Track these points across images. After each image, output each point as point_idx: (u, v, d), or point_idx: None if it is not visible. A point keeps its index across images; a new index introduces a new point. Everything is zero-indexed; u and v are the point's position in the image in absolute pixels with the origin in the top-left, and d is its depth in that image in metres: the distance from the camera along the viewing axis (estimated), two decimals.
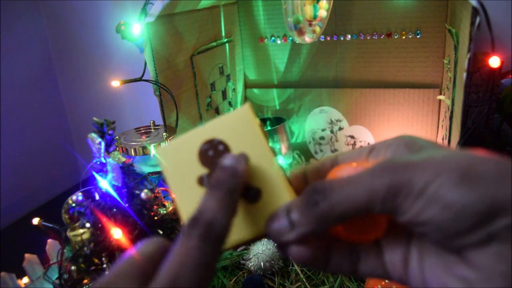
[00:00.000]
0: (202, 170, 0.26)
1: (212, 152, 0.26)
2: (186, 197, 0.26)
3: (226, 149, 0.26)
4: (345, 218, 0.22)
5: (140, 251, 0.23)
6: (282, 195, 0.25)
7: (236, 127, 0.26)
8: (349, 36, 0.93)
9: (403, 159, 0.21)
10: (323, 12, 0.76)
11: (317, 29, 0.77)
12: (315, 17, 0.75)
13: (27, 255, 0.63)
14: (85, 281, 0.56)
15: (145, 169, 0.83)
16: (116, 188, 0.55)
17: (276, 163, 0.25)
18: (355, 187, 0.21)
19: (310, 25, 0.76)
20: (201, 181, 0.26)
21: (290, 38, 0.93)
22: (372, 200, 0.21)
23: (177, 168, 0.26)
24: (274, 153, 0.26)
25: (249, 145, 0.25)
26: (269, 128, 1.03)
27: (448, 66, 0.77)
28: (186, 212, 0.25)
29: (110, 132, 0.56)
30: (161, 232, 0.58)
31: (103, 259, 0.55)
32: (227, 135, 0.26)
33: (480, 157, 0.20)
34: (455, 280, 0.20)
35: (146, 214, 0.56)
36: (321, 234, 0.23)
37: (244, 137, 0.25)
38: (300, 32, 0.75)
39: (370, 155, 0.25)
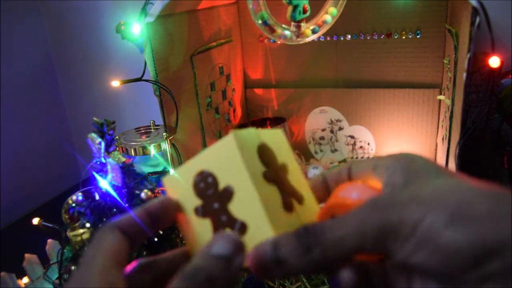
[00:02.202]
0: (198, 201, 0.26)
1: (203, 184, 0.26)
2: (187, 226, 0.27)
3: (215, 181, 0.25)
4: (336, 261, 0.21)
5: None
6: (265, 230, 0.24)
7: (222, 158, 0.25)
8: (349, 36, 0.93)
9: (391, 199, 0.21)
10: (327, 17, 0.75)
11: (308, 32, 0.75)
12: (293, 19, 0.73)
13: (27, 255, 0.63)
14: None
15: (145, 169, 0.83)
16: (116, 188, 0.55)
17: (257, 197, 0.24)
18: (345, 231, 0.21)
19: (299, 27, 0.74)
20: (196, 212, 0.26)
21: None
22: (362, 243, 0.21)
23: (179, 198, 0.27)
24: (270, 178, 0.25)
25: (233, 176, 0.25)
26: (269, 128, 1.03)
27: (448, 66, 0.77)
28: (187, 241, 0.27)
29: (110, 132, 0.56)
30: (161, 232, 0.58)
31: None
32: (214, 166, 0.26)
33: (470, 193, 0.19)
34: None
35: None
36: (306, 273, 0.23)
37: (229, 169, 0.25)
38: (270, 29, 0.74)
39: (374, 172, 0.25)
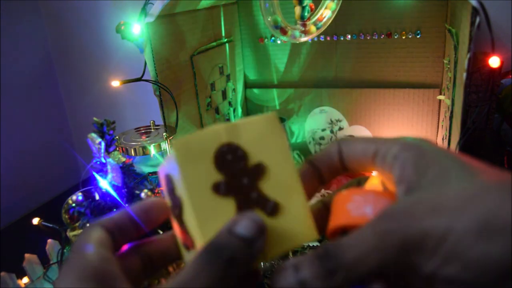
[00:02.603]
0: (217, 176, 0.23)
1: (230, 156, 0.23)
2: (202, 205, 0.22)
3: (245, 157, 0.23)
4: (359, 281, 0.20)
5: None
6: (302, 218, 0.23)
7: (260, 135, 0.23)
8: (349, 36, 0.93)
9: (410, 208, 0.19)
10: (327, 12, 0.76)
11: (313, 29, 0.77)
12: (303, 18, 0.74)
13: (27, 255, 0.63)
14: None
15: (145, 169, 0.83)
16: (116, 188, 0.55)
17: (299, 181, 0.23)
18: (364, 249, 0.19)
19: (304, 25, 0.75)
20: (216, 188, 0.22)
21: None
22: (385, 260, 0.19)
23: (190, 171, 0.22)
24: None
25: (271, 156, 0.23)
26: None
27: (448, 66, 0.77)
28: (200, 222, 0.22)
29: (110, 132, 0.56)
30: (161, 232, 0.58)
31: None
32: (248, 141, 0.23)
33: (498, 198, 0.18)
34: None
35: None
36: None
37: (267, 147, 0.23)
38: (282, 31, 0.75)
39: (376, 160, 0.23)
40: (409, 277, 0.19)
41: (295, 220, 0.23)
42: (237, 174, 0.23)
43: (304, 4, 0.72)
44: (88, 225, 0.25)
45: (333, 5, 0.75)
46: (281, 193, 0.23)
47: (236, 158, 0.23)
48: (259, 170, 0.23)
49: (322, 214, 0.26)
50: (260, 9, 0.72)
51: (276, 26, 0.73)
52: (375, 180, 0.25)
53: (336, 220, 0.24)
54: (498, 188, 0.18)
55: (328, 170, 0.25)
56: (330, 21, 0.77)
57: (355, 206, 0.23)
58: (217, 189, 0.22)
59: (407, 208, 0.19)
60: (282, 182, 0.23)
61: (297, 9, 0.73)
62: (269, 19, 0.72)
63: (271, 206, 0.23)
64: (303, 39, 0.78)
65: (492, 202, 0.18)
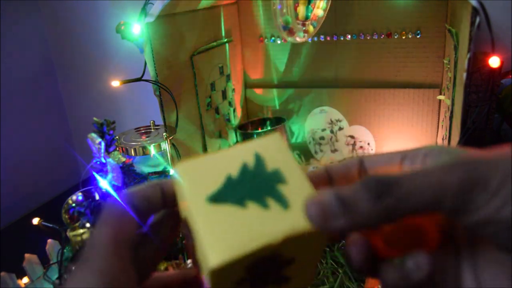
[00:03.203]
0: (243, 274, 0.22)
1: (265, 264, 0.22)
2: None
3: (279, 260, 0.22)
4: (409, 214, 0.20)
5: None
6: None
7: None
8: (349, 36, 0.93)
9: (476, 156, 0.20)
10: (319, 12, 0.76)
11: (311, 28, 0.77)
12: (307, 17, 0.75)
13: (27, 255, 0.63)
14: None
15: (145, 169, 0.83)
16: (116, 188, 0.55)
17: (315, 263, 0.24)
18: (424, 181, 0.19)
19: (304, 25, 0.76)
20: (239, 283, 0.22)
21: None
22: (443, 194, 0.19)
23: (221, 276, 0.21)
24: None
25: (303, 249, 0.22)
26: (269, 128, 1.03)
27: (448, 66, 0.77)
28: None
29: (110, 132, 0.56)
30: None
31: None
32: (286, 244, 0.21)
33: None
34: None
35: None
36: (373, 227, 0.21)
37: (301, 245, 0.22)
38: (290, 32, 0.75)
39: (404, 162, 0.24)
40: (461, 217, 0.20)
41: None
42: (265, 272, 0.22)
43: (309, 4, 0.73)
44: (109, 204, 0.25)
45: (323, 4, 0.76)
46: (299, 271, 0.23)
47: (270, 263, 0.22)
48: (288, 263, 0.22)
49: (322, 181, 0.26)
50: (272, 10, 0.72)
51: (286, 27, 0.73)
52: None
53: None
54: None
55: (342, 179, 0.26)
56: (323, 20, 0.77)
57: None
58: (239, 283, 0.22)
59: (474, 157, 0.20)
60: (305, 263, 0.23)
61: (302, 9, 0.73)
62: (279, 21, 0.73)
63: (284, 279, 0.23)
64: (304, 39, 0.78)
65: None
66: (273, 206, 0.21)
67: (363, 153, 0.99)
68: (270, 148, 0.23)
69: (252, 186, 0.22)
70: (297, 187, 0.22)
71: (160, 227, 0.26)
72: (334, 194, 0.20)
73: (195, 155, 0.87)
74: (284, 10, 0.72)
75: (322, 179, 0.26)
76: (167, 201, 0.25)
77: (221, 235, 0.20)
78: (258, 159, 0.23)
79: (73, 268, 0.55)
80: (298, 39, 0.77)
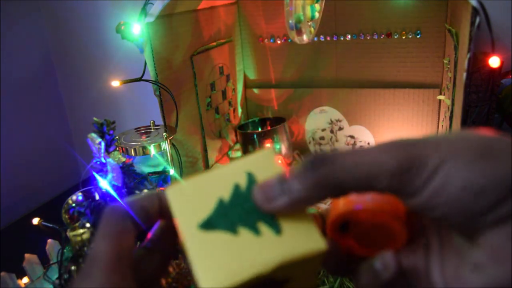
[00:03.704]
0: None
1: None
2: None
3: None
4: (344, 189, 0.20)
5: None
6: None
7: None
8: (349, 36, 0.93)
9: (415, 138, 0.20)
10: (315, 14, 0.77)
11: (311, 30, 0.77)
12: (313, 17, 0.75)
13: (27, 255, 0.63)
14: None
15: (145, 169, 0.83)
16: (116, 188, 0.55)
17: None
18: (360, 158, 0.19)
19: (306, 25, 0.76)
20: None
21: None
22: (377, 173, 0.19)
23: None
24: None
25: (300, 271, 0.23)
26: (269, 128, 1.03)
27: (448, 66, 0.77)
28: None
29: (110, 132, 0.56)
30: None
31: None
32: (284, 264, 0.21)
33: (492, 136, 0.19)
34: (468, 269, 0.19)
35: None
36: (314, 202, 0.21)
37: (299, 268, 0.22)
38: (299, 32, 0.75)
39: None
40: (406, 200, 0.20)
41: None
42: None
43: (316, 3, 0.73)
44: (108, 211, 0.25)
45: (318, 7, 0.76)
46: (295, 286, 0.23)
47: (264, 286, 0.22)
48: (283, 284, 0.22)
49: (318, 222, 0.25)
50: (285, 11, 0.72)
51: (297, 25, 0.73)
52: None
53: (335, 211, 0.23)
54: (488, 133, 0.20)
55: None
56: (319, 21, 0.77)
57: (354, 198, 0.23)
58: None
59: (413, 138, 0.20)
60: (301, 281, 0.23)
61: (308, 10, 0.73)
62: (291, 21, 0.73)
63: None
64: (307, 40, 0.78)
65: (486, 138, 0.19)
66: (265, 232, 0.21)
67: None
68: (262, 166, 0.23)
69: (244, 210, 0.22)
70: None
71: (160, 241, 0.26)
72: (276, 176, 0.21)
73: (195, 156, 0.87)
74: (296, 9, 0.72)
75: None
76: (165, 211, 0.24)
77: (213, 264, 0.20)
78: (250, 179, 0.22)
79: (74, 282, 0.55)
80: (306, 38, 0.77)
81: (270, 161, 0.23)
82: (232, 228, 0.21)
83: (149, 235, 0.26)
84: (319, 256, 0.21)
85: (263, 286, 0.21)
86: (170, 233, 0.25)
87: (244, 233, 0.21)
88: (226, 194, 0.22)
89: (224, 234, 0.21)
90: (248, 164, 0.23)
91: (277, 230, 0.21)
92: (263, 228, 0.21)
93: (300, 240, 0.21)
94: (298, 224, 0.21)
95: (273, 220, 0.21)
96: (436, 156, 0.18)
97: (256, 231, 0.21)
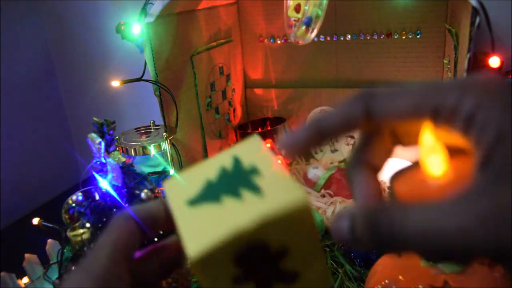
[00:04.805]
0: (235, 270, 0.22)
1: (253, 255, 0.22)
2: None
3: (268, 249, 0.22)
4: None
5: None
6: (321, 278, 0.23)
7: (287, 222, 0.21)
8: (349, 36, 0.93)
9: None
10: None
11: (303, 29, 0.78)
12: (317, 17, 0.75)
13: (27, 255, 0.63)
14: None
15: (145, 169, 0.83)
16: (116, 188, 0.55)
17: (320, 249, 0.23)
18: (430, 222, 0.16)
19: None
20: (235, 281, 0.22)
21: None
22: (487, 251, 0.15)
23: (211, 273, 0.22)
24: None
25: (296, 237, 0.22)
26: (269, 128, 1.03)
27: (448, 66, 0.77)
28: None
29: (110, 132, 0.56)
30: (161, 232, 0.58)
31: None
32: (273, 231, 0.21)
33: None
34: None
35: None
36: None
37: (294, 233, 0.21)
38: (307, 30, 0.75)
39: (439, 118, 0.18)
40: None
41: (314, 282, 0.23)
42: (257, 265, 0.22)
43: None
44: (118, 215, 0.26)
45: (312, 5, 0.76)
46: (301, 264, 0.22)
47: (258, 255, 0.21)
48: (282, 255, 0.22)
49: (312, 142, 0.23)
50: (302, 11, 0.72)
51: (310, 22, 0.73)
52: (427, 135, 0.20)
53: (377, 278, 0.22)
54: None
55: (339, 133, 0.21)
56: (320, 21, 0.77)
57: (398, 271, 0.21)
58: (237, 281, 0.22)
59: (504, 211, 0.15)
60: (303, 255, 0.22)
61: (309, 9, 0.73)
62: (304, 19, 0.73)
63: (290, 276, 0.22)
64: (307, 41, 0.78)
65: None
66: (247, 196, 0.21)
67: None
68: (249, 150, 0.24)
69: (229, 184, 0.22)
70: (273, 177, 0.22)
71: (164, 248, 0.26)
72: (346, 218, 0.18)
73: (195, 156, 0.87)
74: (306, 8, 0.72)
75: (313, 141, 0.22)
76: (171, 219, 0.24)
77: (198, 232, 0.21)
78: (236, 161, 0.23)
79: (72, 269, 0.55)
80: (312, 36, 0.77)
81: (256, 146, 0.24)
82: (216, 198, 0.22)
83: (153, 240, 0.26)
84: (305, 217, 0.21)
85: (259, 259, 0.21)
86: (174, 243, 0.26)
87: (228, 201, 0.21)
88: (213, 176, 0.23)
89: (210, 205, 0.22)
90: (236, 150, 0.24)
91: (260, 193, 0.21)
92: (246, 193, 0.21)
93: (281, 198, 0.21)
94: (280, 185, 0.21)
95: (255, 185, 0.22)
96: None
97: (238, 196, 0.21)
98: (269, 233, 0.21)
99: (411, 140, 0.21)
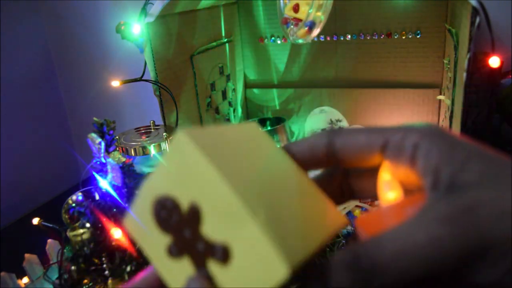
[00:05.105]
0: (168, 238, 0.20)
1: (164, 212, 0.19)
2: (168, 272, 0.20)
3: (175, 203, 0.19)
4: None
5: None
6: (261, 242, 0.16)
7: (175, 169, 0.19)
8: (349, 36, 0.93)
9: (467, 209, 0.16)
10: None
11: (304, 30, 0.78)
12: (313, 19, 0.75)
13: (27, 255, 0.63)
14: (85, 281, 0.56)
15: (145, 169, 0.83)
16: (116, 188, 0.55)
17: (235, 197, 0.17)
18: (414, 254, 0.16)
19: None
20: (170, 252, 0.20)
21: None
22: (434, 271, 0.16)
23: (147, 243, 0.20)
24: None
25: (195, 185, 0.18)
26: (269, 128, 1.03)
27: (448, 66, 0.77)
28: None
29: (110, 132, 0.56)
30: None
31: (103, 259, 0.55)
32: (169, 184, 0.19)
33: None
34: None
35: None
36: None
37: (187, 178, 0.18)
38: (309, 30, 0.75)
39: (387, 153, 0.20)
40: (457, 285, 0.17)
41: (257, 250, 0.17)
42: (178, 229, 0.19)
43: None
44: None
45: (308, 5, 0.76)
46: (226, 228, 0.18)
47: (169, 211, 0.19)
48: (193, 214, 0.18)
49: None
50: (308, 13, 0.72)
51: (313, 25, 0.73)
52: (384, 173, 0.22)
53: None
54: None
55: (305, 162, 0.22)
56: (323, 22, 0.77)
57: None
58: (170, 252, 0.20)
59: (467, 210, 0.16)
60: (226, 215, 0.17)
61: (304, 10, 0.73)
62: (308, 21, 0.73)
63: (220, 252, 0.18)
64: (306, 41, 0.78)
65: None
66: None
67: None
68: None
69: None
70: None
71: None
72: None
73: None
74: (310, 11, 0.72)
75: None
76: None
77: None
78: None
79: (73, 268, 0.55)
80: (314, 35, 0.77)
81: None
82: None
83: None
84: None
85: (179, 222, 0.19)
86: None
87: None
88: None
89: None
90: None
91: None
92: None
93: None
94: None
95: None
96: (498, 250, 0.16)
97: None
98: (163, 179, 0.19)
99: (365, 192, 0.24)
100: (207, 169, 0.17)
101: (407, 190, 0.22)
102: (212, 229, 0.18)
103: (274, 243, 0.16)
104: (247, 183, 0.18)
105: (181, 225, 0.19)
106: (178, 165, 0.18)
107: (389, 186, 0.22)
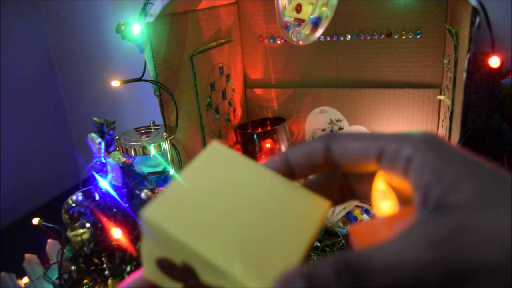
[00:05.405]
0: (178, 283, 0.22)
1: (167, 269, 0.22)
2: None
3: (173, 265, 0.21)
4: None
5: None
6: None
7: (160, 238, 0.21)
8: (349, 36, 0.93)
9: (455, 233, 0.16)
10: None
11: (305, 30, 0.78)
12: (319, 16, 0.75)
13: (27, 255, 0.63)
14: (85, 281, 0.56)
15: (145, 169, 0.83)
16: (116, 188, 0.55)
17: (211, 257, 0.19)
18: (397, 274, 0.17)
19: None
20: None
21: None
22: None
23: (165, 283, 0.22)
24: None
25: (184, 253, 0.20)
26: (269, 128, 1.03)
27: (448, 66, 0.77)
28: None
29: (110, 132, 0.56)
30: None
31: (103, 259, 0.55)
32: (162, 249, 0.21)
33: None
34: None
35: None
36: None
37: (174, 247, 0.20)
38: (313, 29, 0.75)
39: (381, 164, 0.20)
40: None
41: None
42: (183, 279, 0.21)
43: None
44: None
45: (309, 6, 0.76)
46: (219, 278, 0.20)
47: (170, 269, 0.21)
48: (188, 271, 0.20)
49: (283, 172, 0.24)
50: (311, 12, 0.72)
51: (317, 23, 0.73)
52: (379, 182, 0.23)
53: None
54: None
55: (304, 168, 0.23)
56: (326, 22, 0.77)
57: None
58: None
59: (453, 234, 0.17)
60: (211, 270, 0.19)
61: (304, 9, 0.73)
62: (313, 17, 0.73)
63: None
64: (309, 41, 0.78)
65: None
66: None
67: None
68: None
69: None
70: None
71: None
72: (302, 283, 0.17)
73: (195, 156, 0.87)
74: (317, 8, 0.72)
75: (283, 172, 0.23)
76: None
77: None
78: None
79: (73, 268, 0.55)
80: (317, 35, 0.76)
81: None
82: None
83: None
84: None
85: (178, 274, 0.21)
86: None
87: None
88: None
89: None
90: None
91: None
92: None
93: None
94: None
95: None
96: (484, 272, 0.16)
97: None
98: (154, 246, 0.21)
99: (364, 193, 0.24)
100: (177, 240, 0.20)
101: (402, 200, 0.22)
102: (207, 278, 0.20)
103: (258, 281, 0.18)
104: (218, 234, 0.20)
105: (183, 277, 0.21)
106: (158, 236, 0.21)
107: (384, 196, 0.22)
